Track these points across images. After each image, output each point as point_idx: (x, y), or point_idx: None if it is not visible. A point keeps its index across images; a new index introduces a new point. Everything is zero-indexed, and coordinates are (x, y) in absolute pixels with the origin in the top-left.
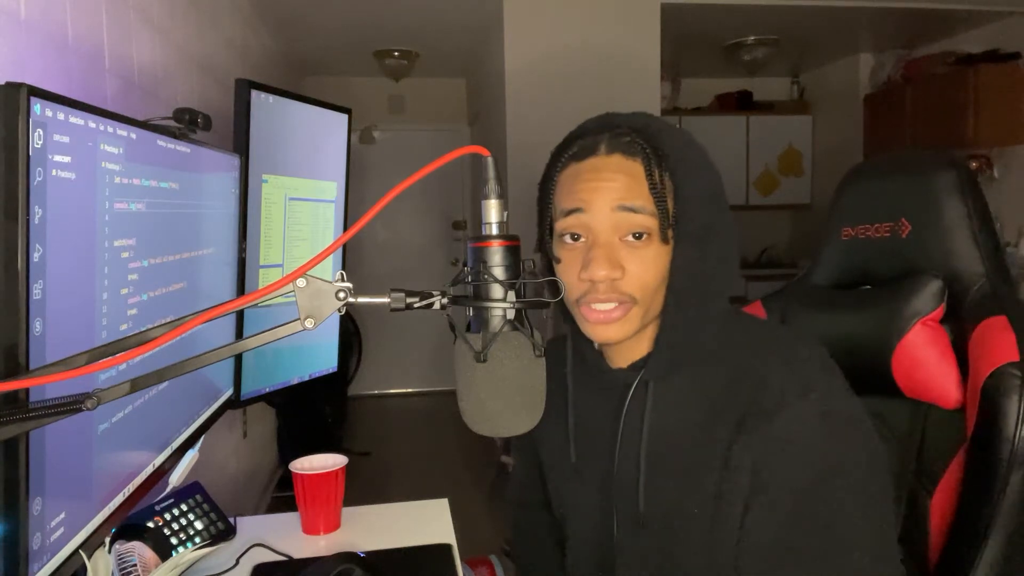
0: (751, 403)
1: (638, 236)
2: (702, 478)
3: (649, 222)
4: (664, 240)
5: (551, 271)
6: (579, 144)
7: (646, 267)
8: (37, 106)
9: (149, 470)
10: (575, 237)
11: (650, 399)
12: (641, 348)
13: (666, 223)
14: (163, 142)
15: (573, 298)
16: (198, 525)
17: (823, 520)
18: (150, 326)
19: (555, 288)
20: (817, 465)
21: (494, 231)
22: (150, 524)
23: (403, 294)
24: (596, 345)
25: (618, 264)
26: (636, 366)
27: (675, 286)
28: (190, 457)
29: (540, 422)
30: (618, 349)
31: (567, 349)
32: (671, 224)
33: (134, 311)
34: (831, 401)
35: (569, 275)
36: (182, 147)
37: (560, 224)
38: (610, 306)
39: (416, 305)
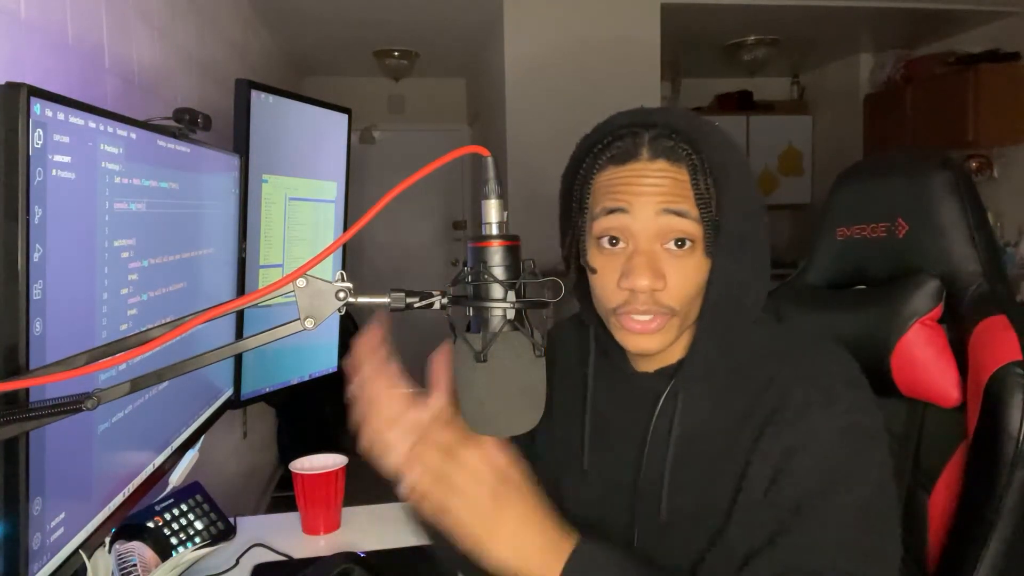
0: (773, 412)
1: (681, 244)
2: (723, 487)
3: (694, 228)
4: (708, 253)
5: (583, 277)
6: (618, 146)
7: (687, 278)
8: (37, 106)
9: (149, 470)
10: (613, 242)
11: (679, 407)
12: (671, 354)
13: (712, 235)
14: (163, 142)
15: (610, 307)
16: (198, 525)
17: (815, 521)
18: (150, 326)
19: (555, 288)
20: (826, 474)
21: (494, 231)
22: (150, 524)
23: (403, 294)
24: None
25: (660, 274)
26: (665, 372)
27: (712, 296)
28: (190, 457)
29: (552, 417)
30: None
31: (590, 347)
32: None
33: (134, 311)
34: (854, 415)
35: (607, 283)
36: (182, 147)
37: (599, 224)
38: (648, 317)
39: (416, 305)
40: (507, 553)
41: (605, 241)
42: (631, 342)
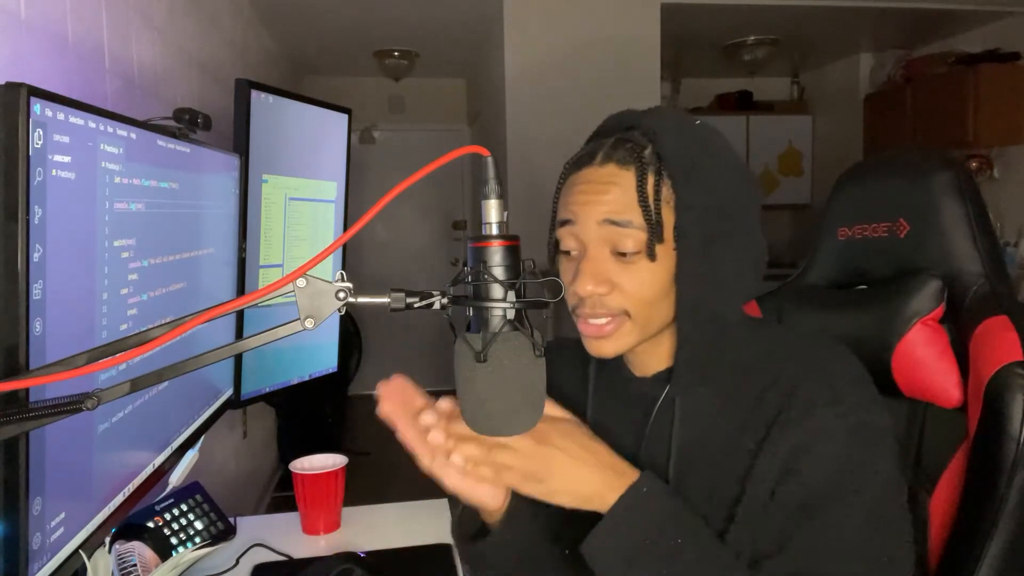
0: (778, 413)
1: (623, 253)
2: (727, 490)
3: (638, 236)
4: (651, 257)
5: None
6: (585, 149)
7: (637, 282)
8: (37, 106)
9: (149, 470)
10: (568, 249)
11: (678, 413)
12: (663, 358)
13: (654, 239)
14: (163, 142)
15: (569, 308)
16: (198, 525)
17: (826, 523)
18: (150, 326)
19: (555, 288)
20: (834, 475)
21: (494, 231)
22: (150, 524)
23: (403, 294)
24: None
25: (605, 279)
26: (660, 377)
27: (683, 298)
28: (190, 457)
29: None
30: (640, 357)
31: (591, 357)
32: (674, 237)
33: (134, 311)
34: (860, 414)
35: (565, 287)
36: (182, 147)
37: (557, 234)
38: (602, 320)
39: (416, 305)
40: (564, 492)
41: (563, 247)
42: (588, 346)
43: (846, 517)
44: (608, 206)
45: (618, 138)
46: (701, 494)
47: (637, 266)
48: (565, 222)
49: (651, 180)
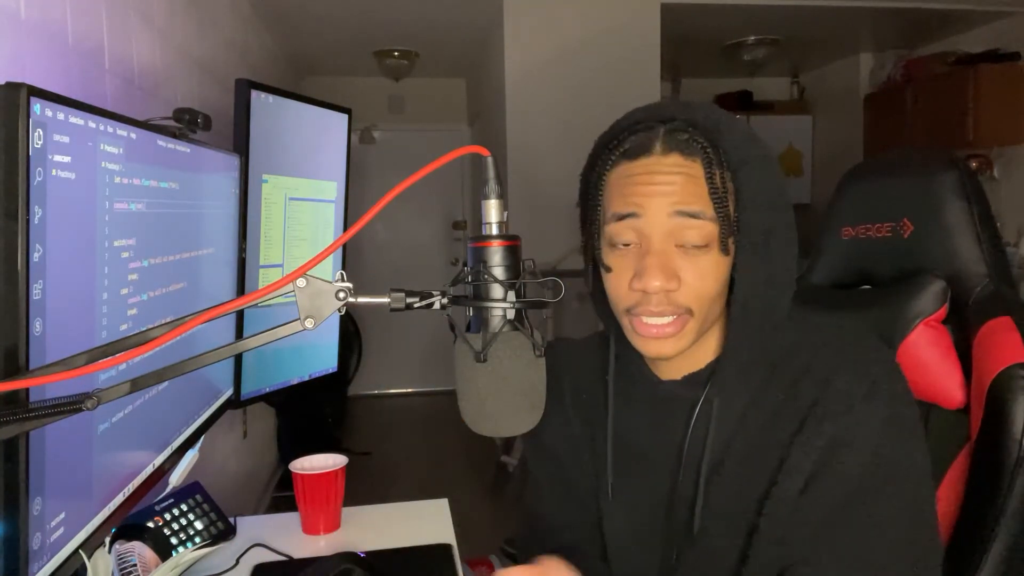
0: (814, 404)
1: (695, 245)
2: (758, 484)
3: (709, 228)
4: (724, 251)
5: (597, 275)
6: (631, 140)
7: (704, 277)
8: (37, 106)
9: (149, 470)
10: (627, 243)
11: (715, 415)
12: (697, 358)
13: (727, 231)
14: (163, 142)
15: (622, 307)
16: (198, 525)
17: (870, 519)
18: (150, 326)
19: (556, 288)
20: (872, 467)
21: (494, 231)
22: (150, 524)
23: (403, 294)
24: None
25: (674, 274)
26: (695, 379)
27: (740, 297)
28: (190, 457)
29: (569, 434)
30: (671, 360)
31: (610, 357)
32: (735, 231)
33: (134, 311)
34: (895, 405)
35: (619, 284)
36: (182, 147)
37: (611, 228)
38: (665, 320)
39: (416, 305)
40: None
41: (619, 243)
42: (646, 347)
43: (887, 511)
44: (678, 196)
45: (670, 128)
46: (731, 494)
47: (702, 260)
48: (626, 215)
49: (717, 174)
